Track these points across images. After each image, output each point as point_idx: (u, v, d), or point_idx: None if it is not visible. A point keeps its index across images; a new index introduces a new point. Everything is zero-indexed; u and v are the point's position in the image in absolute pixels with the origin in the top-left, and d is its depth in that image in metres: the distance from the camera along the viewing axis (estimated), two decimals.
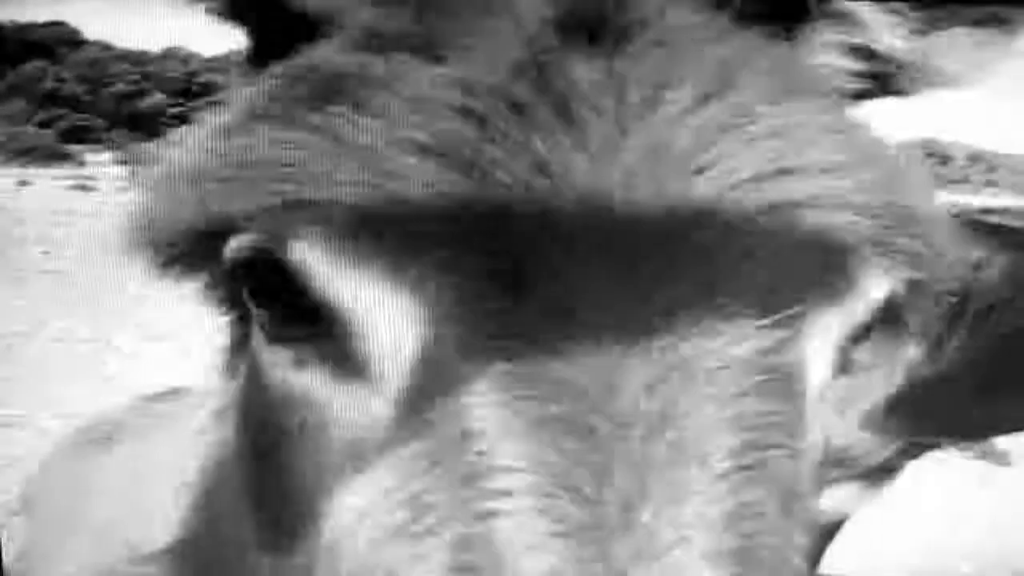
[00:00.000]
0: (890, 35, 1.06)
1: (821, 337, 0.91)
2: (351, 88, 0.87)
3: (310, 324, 0.89)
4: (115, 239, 1.00)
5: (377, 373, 0.86)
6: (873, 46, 1.07)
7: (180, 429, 2.21)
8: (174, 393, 2.67)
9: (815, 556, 3.61)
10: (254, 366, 0.99)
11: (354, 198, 0.83)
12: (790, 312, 0.85)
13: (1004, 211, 3.70)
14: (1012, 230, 3.53)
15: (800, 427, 0.89)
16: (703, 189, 0.83)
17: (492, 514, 0.77)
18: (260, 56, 1.03)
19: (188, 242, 0.95)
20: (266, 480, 1.01)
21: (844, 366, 0.97)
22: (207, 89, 1.08)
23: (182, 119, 1.04)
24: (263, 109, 0.93)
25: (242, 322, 1.05)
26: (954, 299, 3.37)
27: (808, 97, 0.94)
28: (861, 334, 0.96)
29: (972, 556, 5.44)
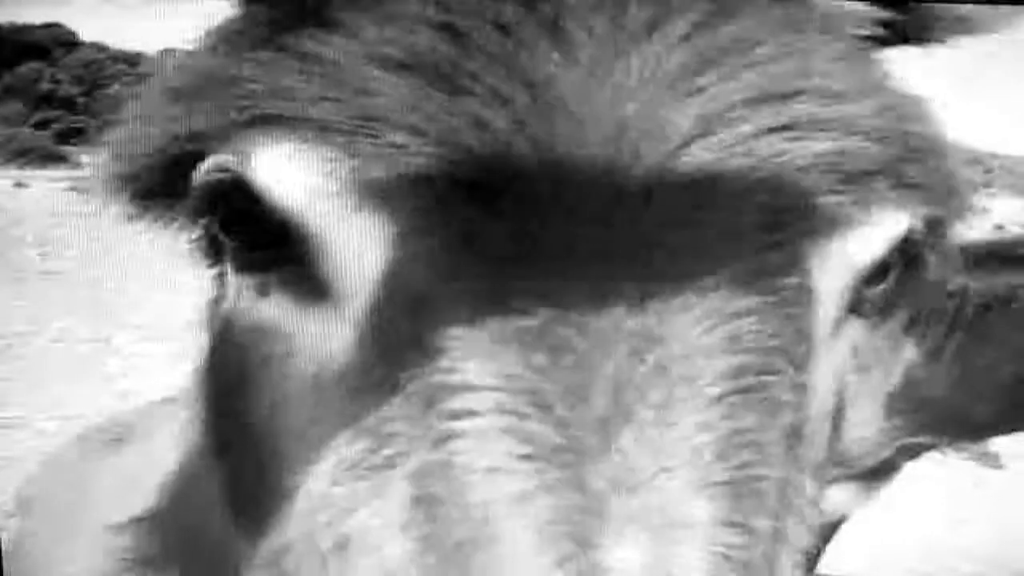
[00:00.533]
0: None
1: (832, 267, 0.85)
2: (324, 7, 0.84)
3: (276, 247, 0.85)
4: (92, 183, 0.98)
5: (342, 294, 0.82)
6: None
7: (183, 432, 2.21)
8: (184, 396, 2.67)
9: (814, 556, 3.61)
10: (228, 317, 0.95)
11: (322, 113, 0.79)
12: (794, 232, 0.80)
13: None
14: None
15: (806, 358, 0.82)
16: (698, 111, 0.78)
17: (453, 436, 0.70)
18: None
19: (161, 169, 0.91)
20: (233, 424, 0.96)
21: (858, 305, 0.91)
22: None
23: (157, 69, 1.02)
24: (235, 30, 0.91)
25: (223, 278, 1.01)
26: (954, 299, 3.38)
27: (816, 30, 0.89)
28: (877, 272, 0.90)
29: (972, 556, 5.44)
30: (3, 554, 1.83)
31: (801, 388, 0.81)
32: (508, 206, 0.74)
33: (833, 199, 0.82)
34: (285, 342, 0.86)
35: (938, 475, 6.38)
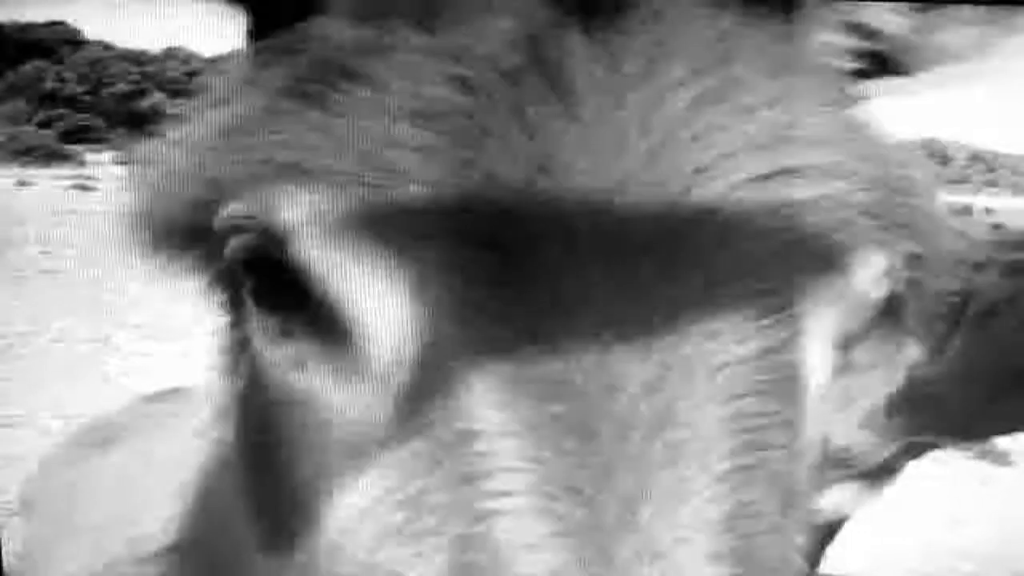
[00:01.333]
0: (890, 12, 1.05)
1: (821, 336, 0.90)
2: (344, 59, 0.87)
3: (310, 322, 0.88)
4: (116, 228, 1.00)
5: (378, 371, 0.85)
6: (873, 24, 1.05)
7: (179, 429, 2.21)
8: (174, 393, 2.67)
9: (815, 556, 3.60)
10: (254, 366, 0.99)
11: (342, 165, 0.82)
12: (790, 312, 0.85)
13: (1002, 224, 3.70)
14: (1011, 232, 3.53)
15: (800, 427, 0.88)
16: (695, 161, 0.82)
17: (492, 514, 0.76)
18: (260, 31, 1.02)
19: (186, 213, 0.94)
20: (266, 480, 1.00)
21: (844, 366, 0.96)
22: (207, 89, 1.07)
23: (182, 119, 1.03)
24: (257, 80, 0.93)
25: (242, 323, 1.03)
26: (955, 299, 3.38)
27: (804, 72, 0.93)
28: (861, 333, 0.96)
29: (972, 556, 5.44)
30: (5, 553, 1.83)
31: (796, 455, 0.87)
32: (534, 290, 0.79)
33: (820, 243, 0.87)
34: (321, 412, 0.90)
35: (939, 474, 6.38)
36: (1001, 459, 7.14)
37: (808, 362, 0.89)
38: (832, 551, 3.61)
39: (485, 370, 0.79)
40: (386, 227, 0.82)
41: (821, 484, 1.01)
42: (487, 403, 0.78)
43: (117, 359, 8.12)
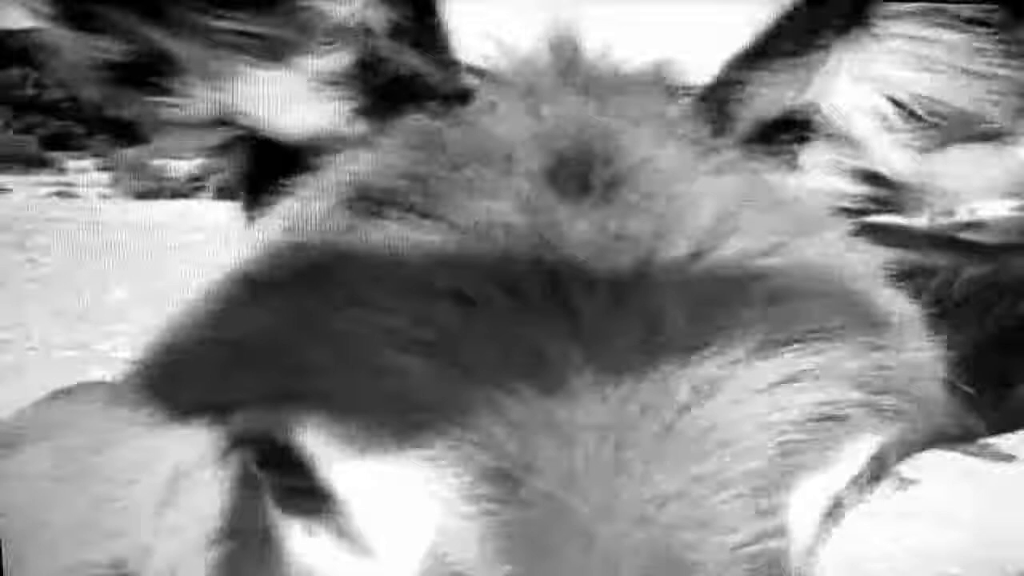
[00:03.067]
0: (889, 155, 1.05)
1: (805, 506, 0.89)
2: (340, 268, 0.86)
3: (316, 498, 0.88)
4: (125, 392, 0.98)
5: (385, 556, 0.85)
6: (872, 168, 1.06)
7: (91, 429, 2.19)
8: (83, 388, 2.64)
9: None
10: (264, 526, 0.99)
11: (343, 392, 0.82)
12: (778, 497, 0.84)
13: (980, 225, 3.71)
14: (984, 244, 3.55)
15: None
16: (701, 370, 0.81)
17: None
18: (253, 199, 1.03)
19: (191, 411, 0.94)
20: None
21: (835, 518, 0.95)
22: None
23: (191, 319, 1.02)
24: (254, 288, 0.92)
25: (252, 485, 1.03)
26: (937, 304, 3.39)
27: (808, 239, 0.92)
28: (848, 491, 0.95)
29: (959, 558, 5.45)
30: (3, 554, 1.82)
31: None
32: (529, 492, 0.78)
33: (816, 447, 0.86)
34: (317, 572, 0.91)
35: (926, 476, 6.39)
36: (990, 458, 7.16)
37: (794, 531, 0.88)
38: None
39: (487, 566, 0.78)
40: (387, 447, 0.82)
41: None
42: None
43: (98, 367, 8.05)
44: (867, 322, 0.92)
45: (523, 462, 0.78)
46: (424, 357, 0.81)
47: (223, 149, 1.02)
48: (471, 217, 0.85)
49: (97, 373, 7.80)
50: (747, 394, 0.83)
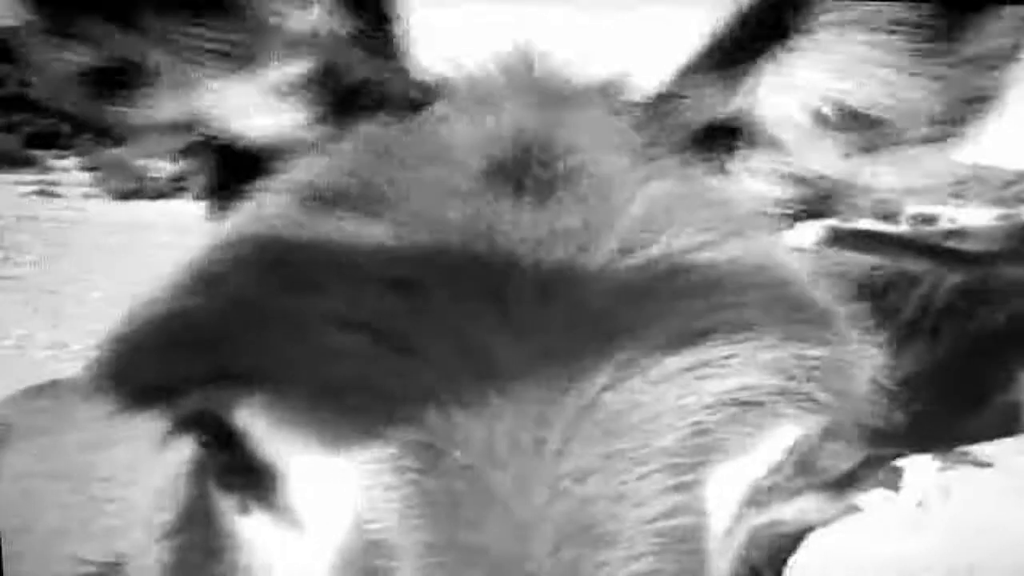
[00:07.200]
0: (820, 159, 1.08)
1: (724, 488, 0.91)
2: (287, 257, 0.90)
3: (254, 475, 0.91)
4: (85, 385, 1.01)
5: (314, 527, 0.88)
6: (802, 172, 1.09)
7: (82, 427, 2.18)
8: (52, 387, 2.64)
9: (779, 567, 3.61)
10: (206, 505, 1.03)
11: (289, 375, 0.86)
12: (692, 475, 0.87)
13: (963, 234, 3.76)
14: (966, 252, 3.58)
15: (704, 572, 0.90)
16: (621, 354, 0.85)
17: None
18: (219, 201, 1.06)
19: (142, 397, 0.96)
20: None
21: (755, 504, 0.97)
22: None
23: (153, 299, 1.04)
24: (201, 273, 0.95)
25: (198, 463, 1.08)
26: (913, 313, 3.41)
27: (735, 239, 0.96)
28: (769, 480, 0.97)
29: (935, 566, 5.49)
30: (2, 555, 1.82)
31: None
32: (457, 468, 0.82)
33: (733, 431, 0.89)
34: (263, 555, 0.94)
35: (903, 482, 6.43)
36: (966, 466, 7.21)
37: (710, 514, 0.90)
38: (795, 561, 3.62)
39: (409, 539, 0.81)
40: (328, 432, 0.85)
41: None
42: (408, 570, 0.81)
43: (77, 366, 8.01)
44: (793, 317, 0.95)
45: (446, 435, 0.82)
46: (360, 338, 0.84)
47: (190, 153, 1.06)
48: (415, 213, 0.89)
49: (75, 371, 7.76)
50: (663, 378, 0.86)
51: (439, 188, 0.91)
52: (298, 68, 0.99)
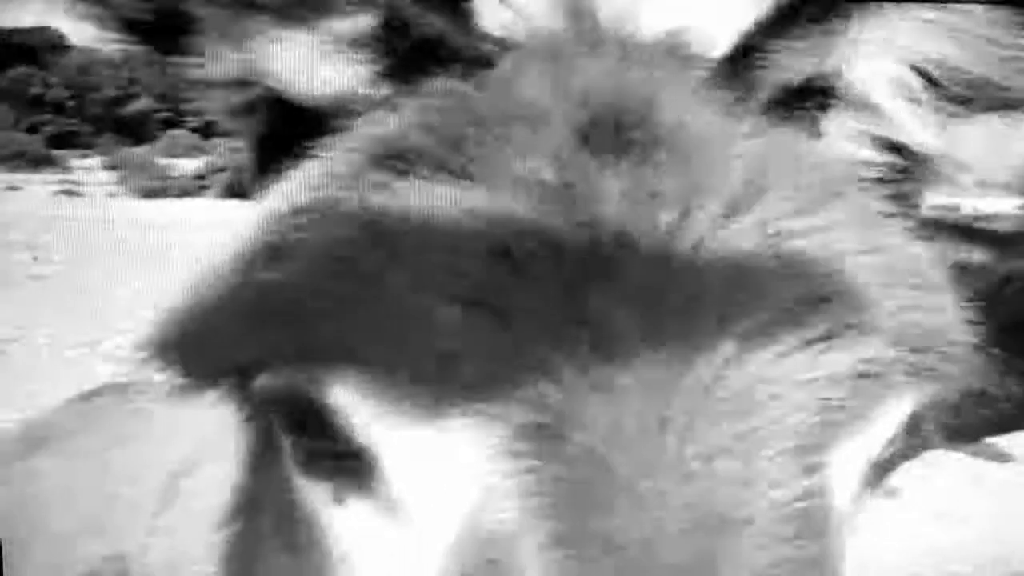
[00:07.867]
0: (911, 125, 1.04)
1: (846, 467, 0.88)
2: (373, 228, 0.85)
3: (349, 461, 0.85)
4: (146, 349, 0.97)
5: (420, 519, 0.83)
6: (895, 137, 1.05)
7: (111, 430, 2.19)
8: (109, 389, 2.64)
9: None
10: (285, 497, 0.96)
11: (384, 349, 0.81)
12: (820, 455, 0.83)
13: (992, 216, 3.71)
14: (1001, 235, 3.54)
15: (832, 557, 0.85)
16: (740, 328, 0.81)
17: None
18: (271, 162, 1.01)
19: (215, 373, 0.93)
20: None
21: (873, 482, 0.94)
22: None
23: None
24: (283, 244, 0.90)
25: (272, 452, 1.00)
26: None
27: (837, 202, 0.92)
28: (884, 454, 0.94)
29: (968, 557, 5.44)
30: (2, 555, 1.82)
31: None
32: (573, 445, 0.77)
33: (856, 406, 0.86)
34: (356, 546, 0.88)
35: (933, 476, 6.38)
36: (996, 457, 7.14)
37: (834, 493, 0.87)
38: None
39: (529, 527, 0.76)
40: (436, 412, 0.80)
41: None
42: (531, 562, 0.75)
43: (105, 365, 8.07)
44: (907, 282, 0.92)
45: (566, 418, 0.77)
46: (464, 311, 0.79)
47: (246, 109, 1.01)
48: (505, 175, 0.84)
49: (104, 370, 7.82)
50: (787, 351, 0.82)
51: (530, 149, 0.86)
52: (361, 22, 0.94)
